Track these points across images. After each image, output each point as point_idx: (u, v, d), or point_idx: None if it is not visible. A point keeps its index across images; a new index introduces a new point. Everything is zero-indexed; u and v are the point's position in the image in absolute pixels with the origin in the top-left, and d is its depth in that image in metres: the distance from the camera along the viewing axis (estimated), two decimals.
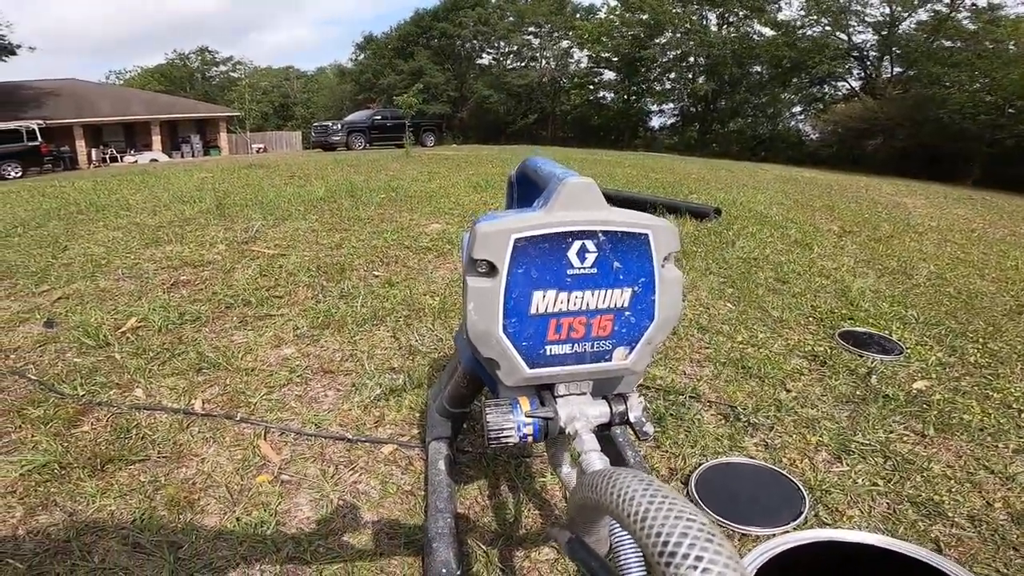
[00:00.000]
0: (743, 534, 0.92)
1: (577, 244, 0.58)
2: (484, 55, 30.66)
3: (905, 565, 0.65)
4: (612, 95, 26.02)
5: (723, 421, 1.25)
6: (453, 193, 4.44)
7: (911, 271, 2.55)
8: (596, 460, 0.58)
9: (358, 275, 2.25)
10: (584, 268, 0.59)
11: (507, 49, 29.79)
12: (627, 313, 0.62)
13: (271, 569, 0.83)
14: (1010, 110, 10.01)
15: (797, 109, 21.80)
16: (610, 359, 0.64)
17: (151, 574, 0.81)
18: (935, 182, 9.53)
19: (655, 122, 26.05)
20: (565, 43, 28.00)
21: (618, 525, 0.49)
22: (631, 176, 6.37)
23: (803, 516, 0.94)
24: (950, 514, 0.97)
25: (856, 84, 19.66)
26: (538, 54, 28.93)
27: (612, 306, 0.61)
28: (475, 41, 28.89)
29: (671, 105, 24.67)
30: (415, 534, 0.91)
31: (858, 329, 1.77)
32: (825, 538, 0.66)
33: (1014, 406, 1.36)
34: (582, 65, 26.94)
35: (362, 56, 33.14)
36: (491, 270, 0.57)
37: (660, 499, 0.30)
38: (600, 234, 0.58)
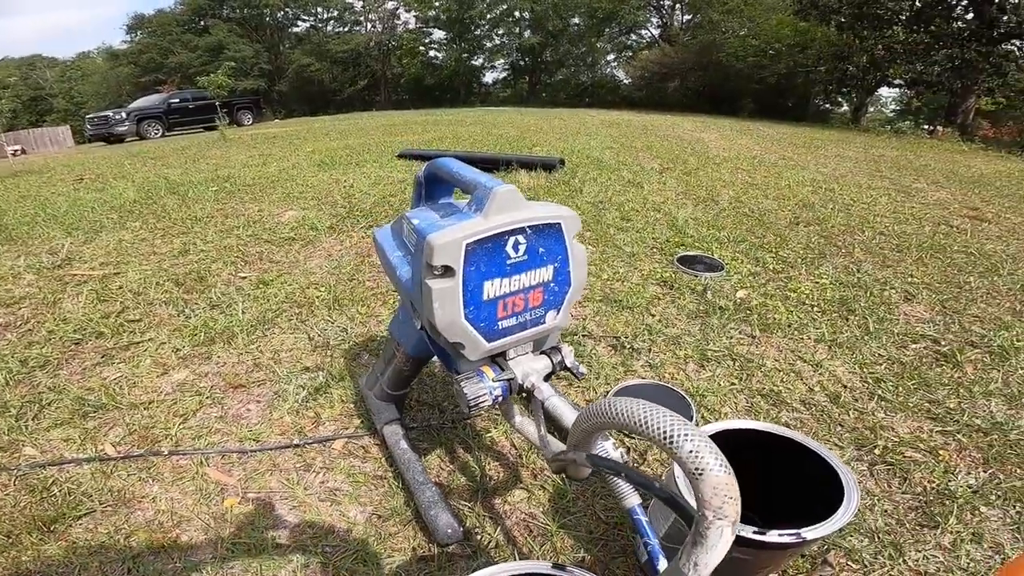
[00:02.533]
0: None
1: (512, 239, 0.72)
2: (299, 23, 27.64)
3: (778, 444, 0.90)
4: (443, 54, 25.64)
5: (613, 351, 1.53)
6: (298, 176, 4.15)
7: (717, 198, 3.18)
8: (560, 401, 0.76)
9: (222, 280, 2.09)
10: (519, 256, 0.74)
11: (326, 15, 27.15)
12: (552, 284, 0.80)
13: None
14: (771, 52, 12.28)
15: (611, 57, 23.90)
16: (544, 322, 0.82)
17: None
18: (722, 117, 11.43)
19: (488, 78, 26.47)
20: (391, 4, 26.47)
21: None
22: (476, 135, 6.53)
23: (694, 419, 1.22)
24: (788, 400, 1.32)
25: (656, 32, 22.14)
26: (362, 18, 26.92)
27: (541, 281, 0.78)
28: (287, 9, 25.73)
29: (502, 60, 25.24)
30: (403, 511, 1.01)
31: (689, 253, 2.23)
32: (720, 429, 0.90)
33: (806, 303, 1.86)
34: (411, 27, 25.87)
35: (140, 36, 27.52)
36: (447, 272, 0.69)
37: (650, 410, 0.47)
38: (528, 228, 0.73)
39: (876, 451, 1.16)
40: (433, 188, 0.97)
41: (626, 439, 1.19)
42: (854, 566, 0.89)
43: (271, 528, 0.98)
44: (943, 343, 1.62)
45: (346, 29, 27.13)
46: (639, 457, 1.17)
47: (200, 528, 0.97)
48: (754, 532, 0.66)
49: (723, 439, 0.84)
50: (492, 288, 0.73)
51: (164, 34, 26.08)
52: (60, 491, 1.05)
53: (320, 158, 4.97)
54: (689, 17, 19.81)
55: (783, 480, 0.83)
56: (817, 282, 2.02)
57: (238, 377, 1.42)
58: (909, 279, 2.12)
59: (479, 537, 0.96)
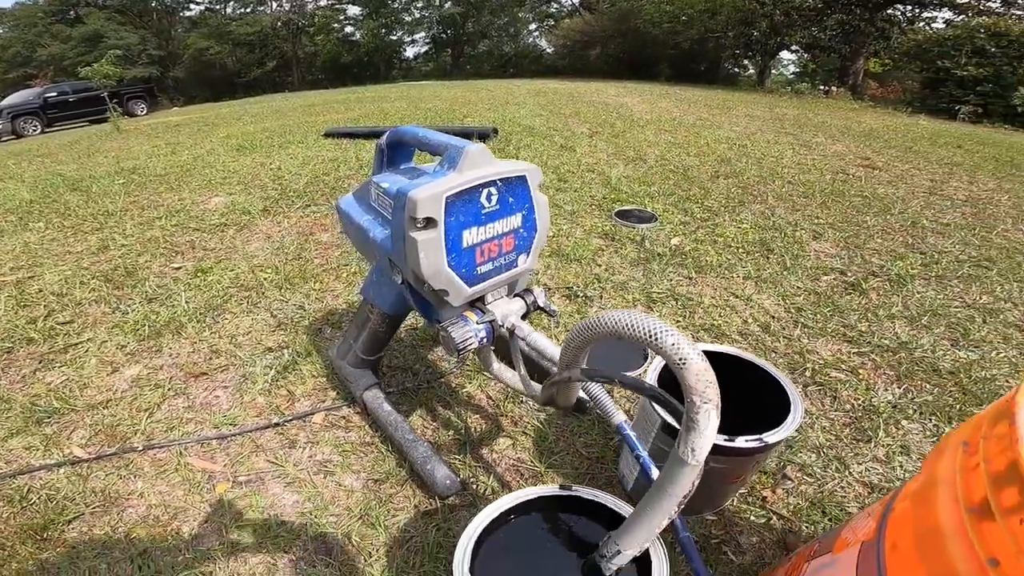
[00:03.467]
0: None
1: (485, 191, 0.79)
2: (192, 6, 25.04)
3: (731, 364, 1.01)
4: (360, 31, 24.30)
5: (568, 301, 1.64)
6: (215, 162, 3.90)
7: (644, 157, 3.37)
8: (540, 336, 0.84)
9: (154, 273, 1.98)
10: (492, 206, 0.81)
11: None
12: (521, 230, 0.87)
13: (306, 553, 0.91)
14: (683, 18, 12.73)
15: (533, 27, 23.73)
16: (517, 265, 0.90)
17: None
18: (642, 81, 11.81)
19: (409, 52, 25.47)
20: None
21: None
22: (403, 110, 6.37)
23: (648, 358, 1.32)
24: (727, 332, 1.48)
25: (576, 0, 22.19)
26: None
27: (512, 228, 0.86)
28: None
29: (422, 33, 24.31)
30: (397, 472, 1.05)
31: (625, 208, 2.38)
32: None
33: (732, 245, 2.07)
34: (322, 3, 24.18)
35: (1, 30, 23.92)
36: (429, 223, 0.75)
37: (634, 316, 0.54)
38: (499, 181, 0.80)
39: (807, 373, 1.34)
40: (395, 154, 1.01)
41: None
42: (809, 480, 1.05)
43: (271, 507, 1.00)
44: (849, 274, 1.87)
45: (248, 10, 24.94)
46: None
47: (199, 517, 0.98)
48: (724, 440, 0.77)
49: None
50: (470, 236, 0.80)
51: (29, 27, 23.02)
52: (39, 498, 1.01)
53: (238, 142, 4.67)
54: None
55: (739, 398, 0.96)
56: (739, 227, 2.24)
57: (197, 366, 1.39)
58: (816, 221, 2.39)
59: (475, 486, 1.03)
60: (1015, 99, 8.85)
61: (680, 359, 0.50)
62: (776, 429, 0.80)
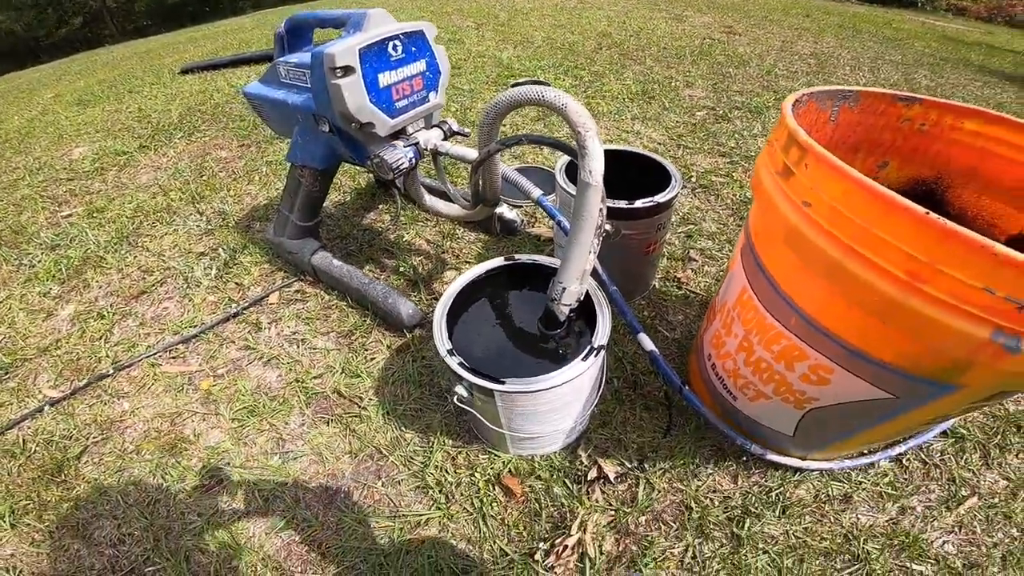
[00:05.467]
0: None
1: (391, 43, 0.93)
2: None
3: (628, 159, 1.17)
4: None
5: None
6: (57, 120, 3.44)
7: (531, 40, 3.44)
8: (460, 147, 1.00)
9: (44, 225, 1.85)
10: (399, 55, 0.95)
11: None
12: (427, 72, 1.03)
13: (306, 417, 1.01)
14: None
15: None
16: (428, 101, 1.04)
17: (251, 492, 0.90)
18: None
19: None
20: None
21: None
22: (267, 36, 5.76)
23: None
24: None
25: None
26: None
27: (419, 71, 1.01)
28: None
29: None
30: (362, 323, 1.18)
31: (519, 80, 2.49)
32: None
33: (619, 97, 2.30)
34: None
35: None
36: (347, 71, 0.88)
37: (526, 86, 0.70)
38: (401, 35, 0.94)
39: (693, 179, 1.64)
40: (296, 40, 1.14)
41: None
42: (710, 260, 1.32)
43: (258, 388, 1.08)
44: (718, 109, 2.18)
45: None
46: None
47: (198, 416, 1.04)
48: (626, 204, 0.99)
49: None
50: (384, 78, 0.94)
51: None
52: (38, 445, 1.03)
53: (74, 98, 4.09)
54: None
55: (635, 183, 1.17)
56: (623, 83, 2.47)
57: (133, 287, 1.40)
58: (688, 74, 2.67)
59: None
60: None
61: (562, 104, 0.67)
62: (663, 192, 1.02)
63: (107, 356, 1.20)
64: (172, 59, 5.59)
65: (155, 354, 1.17)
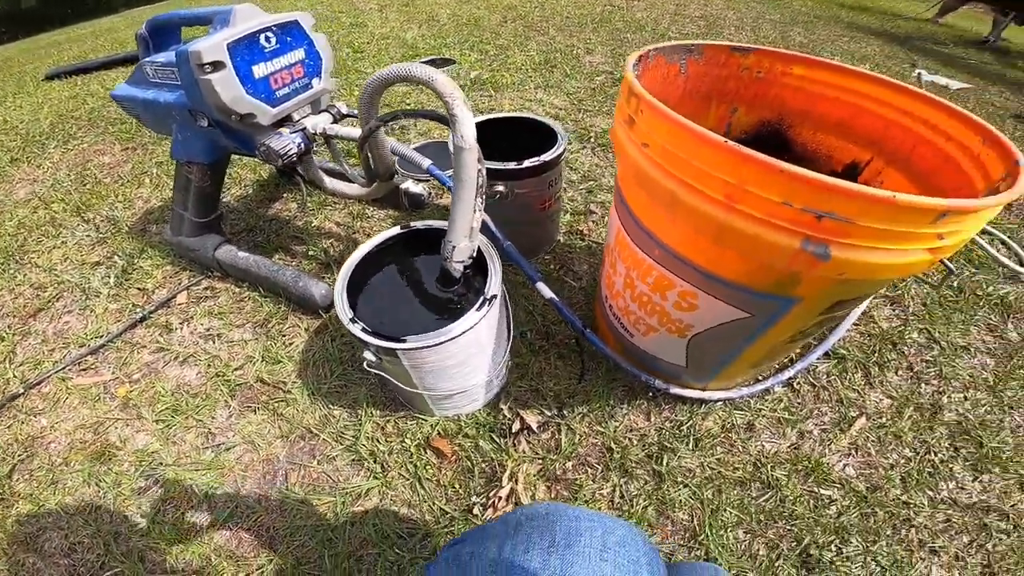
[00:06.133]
0: None
1: (263, 35, 0.93)
2: None
3: (521, 125, 1.21)
4: None
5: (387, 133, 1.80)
6: None
7: (436, 18, 3.41)
8: (348, 128, 1.01)
9: None
10: (272, 46, 0.95)
11: None
12: (307, 60, 1.03)
13: (232, 409, 1.01)
14: None
15: None
16: (312, 87, 1.05)
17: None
18: None
19: None
20: None
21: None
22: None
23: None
24: None
25: None
26: None
27: (298, 59, 1.01)
28: None
29: None
30: (277, 311, 1.17)
31: (425, 59, 2.48)
32: (484, 119, 1.27)
33: (523, 68, 2.35)
34: None
35: None
36: (217, 66, 0.87)
37: (400, 65, 0.73)
38: (273, 27, 0.94)
39: (592, 139, 1.72)
40: (161, 40, 1.10)
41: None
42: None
43: (178, 388, 1.06)
44: (616, 73, 2.28)
45: None
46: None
47: (120, 422, 1.01)
48: (515, 165, 1.04)
49: (490, 125, 1.20)
50: (260, 69, 0.95)
51: None
52: None
53: None
54: None
55: (529, 146, 1.23)
56: (527, 55, 2.53)
57: (28, 306, 1.31)
58: (588, 42, 2.76)
59: None
60: None
61: (429, 78, 0.73)
62: (548, 151, 1.09)
63: (14, 376, 1.14)
64: (34, 66, 5.04)
65: (64, 368, 1.13)
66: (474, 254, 0.83)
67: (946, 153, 0.69)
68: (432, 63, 2.36)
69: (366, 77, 2.41)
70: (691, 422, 0.98)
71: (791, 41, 3.24)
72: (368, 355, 0.80)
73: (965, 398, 1.06)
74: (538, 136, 1.18)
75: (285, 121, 1.03)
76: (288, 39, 0.98)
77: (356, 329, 0.76)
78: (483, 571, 0.41)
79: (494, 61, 2.48)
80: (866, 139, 0.82)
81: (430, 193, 1.47)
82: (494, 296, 0.80)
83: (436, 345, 0.75)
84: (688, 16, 3.56)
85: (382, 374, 0.85)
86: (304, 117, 1.05)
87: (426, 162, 0.98)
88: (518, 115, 1.21)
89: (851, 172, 0.86)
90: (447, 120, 0.78)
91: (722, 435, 0.97)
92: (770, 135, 0.94)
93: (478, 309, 0.78)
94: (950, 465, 0.95)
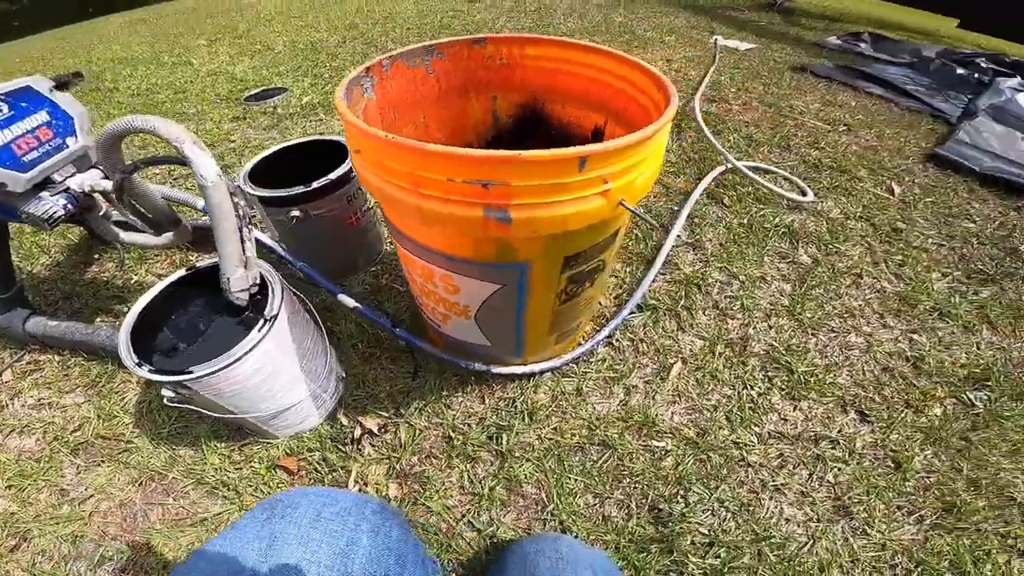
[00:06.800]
0: None
1: None
2: None
3: (322, 146, 1.27)
4: None
5: None
6: None
7: (272, 46, 3.31)
8: (105, 181, 0.97)
9: None
10: (8, 113, 0.92)
11: None
12: (54, 121, 1.00)
13: (80, 468, 0.97)
14: None
15: None
16: (67, 147, 1.02)
17: None
18: None
19: None
20: None
21: None
22: None
23: None
24: None
25: None
26: None
27: (41, 123, 0.98)
28: None
29: None
30: (104, 368, 1.13)
31: (254, 91, 2.42)
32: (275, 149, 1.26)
33: None
34: None
35: None
36: None
37: (135, 117, 0.72)
38: (2, 95, 0.92)
39: None
40: None
41: None
42: None
43: (23, 456, 1.01)
44: None
45: None
46: None
47: None
48: (304, 188, 1.05)
49: (293, 150, 1.20)
50: None
51: None
52: None
53: None
54: None
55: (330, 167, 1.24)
56: None
57: None
58: None
59: None
60: None
61: (152, 127, 0.75)
62: (336, 170, 1.10)
63: None
64: None
65: None
66: (256, 281, 0.84)
67: (641, 104, 0.79)
68: (258, 97, 2.30)
69: (187, 116, 2.30)
70: (523, 397, 1.04)
71: (612, 22, 3.52)
72: (167, 392, 0.80)
73: (769, 327, 1.18)
74: (340, 155, 1.19)
75: (46, 184, 0.98)
76: (23, 104, 0.96)
77: (143, 371, 0.75)
78: (213, 548, 0.42)
79: (328, 84, 2.46)
80: (599, 105, 0.92)
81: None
82: (274, 316, 0.80)
83: (221, 370, 0.75)
84: (524, 10, 3.75)
85: (193, 407, 0.84)
86: (68, 177, 1.01)
87: (200, 202, 0.96)
88: (321, 138, 1.22)
89: (598, 136, 0.95)
90: (183, 162, 0.78)
91: (553, 405, 1.03)
92: (532, 114, 1.02)
93: (259, 330, 0.79)
94: (768, 397, 1.04)
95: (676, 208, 1.53)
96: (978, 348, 1.16)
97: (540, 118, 1.01)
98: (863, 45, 3.47)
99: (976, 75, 2.98)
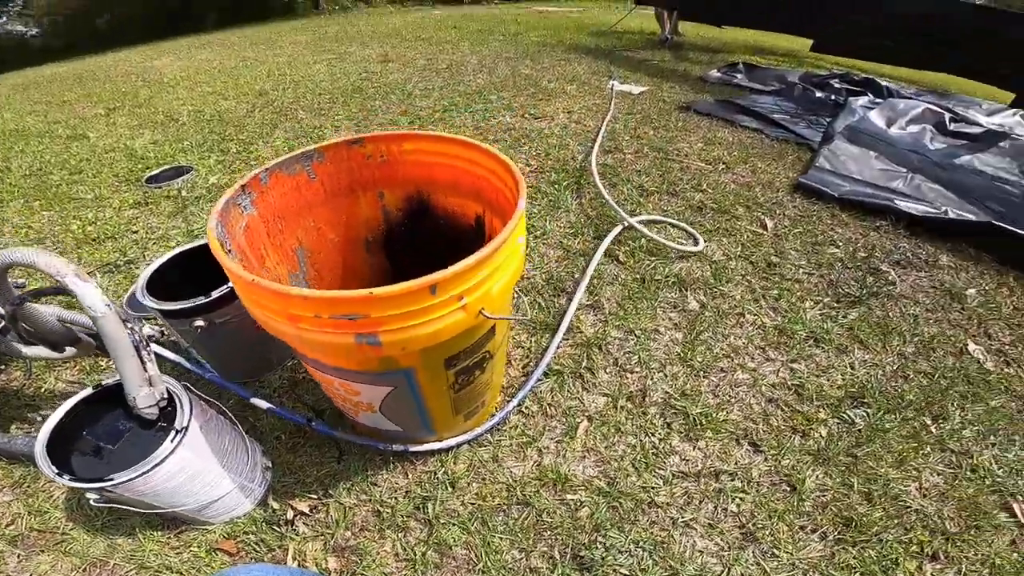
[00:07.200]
0: None
1: None
2: None
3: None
4: None
5: (111, 274, 1.67)
6: None
7: (176, 116, 3.25)
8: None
9: None
10: None
11: None
12: None
13: (22, 559, 0.97)
14: None
15: None
16: None
17: None
18: (182, 36, 10.28)
19: None
20: None
21: None
22: None
23: None
24: None
25: None
26: None
27: None
28: None
29: None
30: (28, 471, 1.10)
31: (156, 172, 2.36)
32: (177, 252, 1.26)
33: (265, 163, 2.30)
34: None
35: None
36: None
37: (23, 250, 0.72)
38: None
39: None
40: None
41: None
42: None
43: None
44: None
45: None
46: None
47: None
48: (203, 299, 1.04)
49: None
50: None
51: None
52: None
53: None
54: None
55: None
56: (272, 146, 2.57)
57: None
58: (336, 119, 2.90)
59: None
60: None
61: (31, 262, 0.77)
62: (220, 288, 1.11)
63: None
64: None
65: None
66: (163, 397, 0.86)
67: (506, 196, 0.87)
68: (159, 179, 2.25)
69: (85, 203, 2.20)
70: (443, 469, 1.09)
71: (519, 75, 3.74)
72: (91, 496, 0.81)
73: (665, 376, 1.28)
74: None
75: None
76: None
77: (64, 480, 0.77)
78: None
79: (235, 160, 2.45)
80: (475, 194, 1.00)
81: (153, 335, 1.38)
82: (185, 428, 0.83)
83: (139, 477, 0.77)
84: (436, 69, 3.91)
85: (121, 505, 0.84)
86: None
87: (87, 318, 0.96)
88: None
89: (480, 224, 1.03)
90: (64, 290, 0.79)
91: (472, 473, 1.08)
92: (419, 206, 1.09)
93: (171, 440, 0.82)
94: (668, 441, 1.13)
95: (576, 273, 1.62)
96: (852, 368, 1.31)
97: (427, 209, 1.08)
98: (739, 76, 3.88)
99: (832, 96, 3.38)
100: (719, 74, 3.91)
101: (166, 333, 1.25)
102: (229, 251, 0.75)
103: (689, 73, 3.97)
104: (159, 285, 1.10)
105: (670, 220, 1.87)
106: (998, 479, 1.07)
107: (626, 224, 1.74)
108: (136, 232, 1.89)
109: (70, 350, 1.06)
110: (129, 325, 0.81)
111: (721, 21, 4.84)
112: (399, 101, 3.12)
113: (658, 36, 5.40)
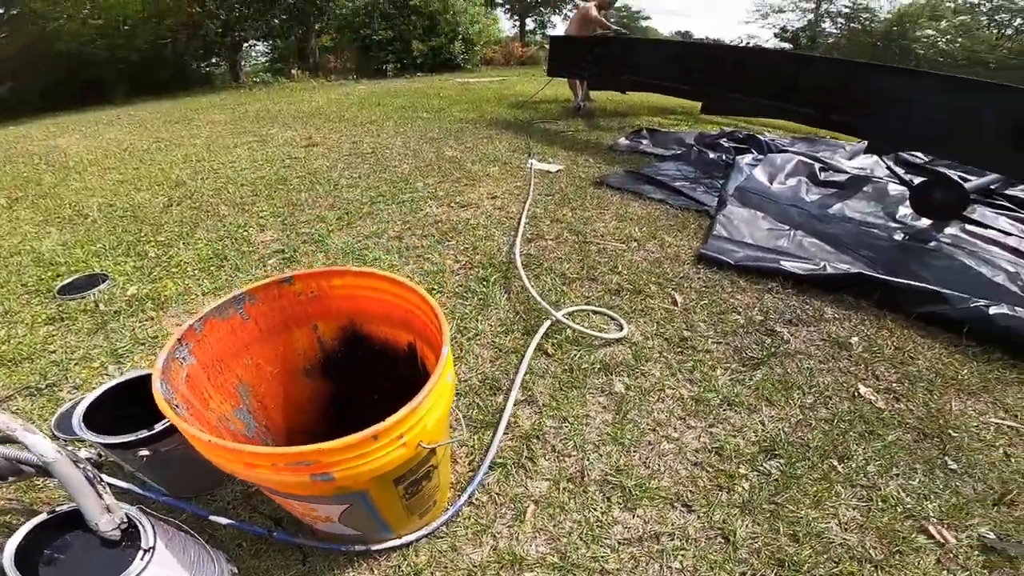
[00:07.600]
0: None
1: None
2: None
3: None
4: None
5: (34, 398, 1.56)
6: None
7: (84, 211, 3.07)
8: None
9: None
10: None
11: None
12: None
13: None
14: (125, 28, 10.96)
15: None
16: None
17: None
18: (90, 109, 9.77)
19: None
20: None
21: None
22: None
23: None
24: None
25: None
26: None
27: None
28: None
29: None
30: None
31: (68, 280, 2.24)
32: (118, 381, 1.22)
33: (189, 269, 2.29)
34: None
35: None
36: None
37: None
38: None
39: None
40: None
41: None
42: None
43: None
44: (286, 251, 2.45)
45: None
46: None
47: None
48: (147, 432, 1.04)
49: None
50: None
51: None
52: None
53: None
54: (2, 11, 14.46)
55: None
56: (195, 249, 2.52)
57: None
58: (260, 215, 2.92)
59: None
60: (415, 52, 12.17)
61: None
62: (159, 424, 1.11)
63: None
64: None
65: None
66: (124, 520, 0.87)
67: (431, 330, 0.96)
68: (72, 288, 2.13)
69: None
70: (407, 561, 1.13)
71: (444, 158, 3.97)
72: None
73: (600, 455, 1.39)
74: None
75: None
76: None
77: None
78: None
79: (155, 266, 2.35)
80: (405, 325, 1.09)
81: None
82: (151, 547, 0.85)
83: None
84: (360, 153, 4.04)
85: None
86: None
87: (35, 457, 0.94)
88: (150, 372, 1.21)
89: (412, 351, 1.11)
90: (14, 442, 0.80)
91: (433, 563, 1.13)
92: (353, 335, 1.16)
93: (141, 559, 0.83)
94: (610, 513, 1.23)
95: (510, 370, 1.71)
96: (763, 424, 1.49)
97: (361, 338, 1.16)
98: (644, 142, 4.32)
99: (723, 156, 3.75)
100: (627, 141, 4.35)
101: (103, 455, 1.22)
102: (176, 406, 0.79)
103: (601, 143, 4.37)
104: (96, 414, 1.10)
105: (593, 307, 2.03)
106: (908, 506, 1.24)
107: (553, 319, 1.87)
108: (54, 352, 1.78)
109: (12, 478, 1.03)
110: (80, 465, 0.83)
111: (625, 88, 5.45)
112: (325, 193, 3.18)
113: (572, 103, 5.93)
